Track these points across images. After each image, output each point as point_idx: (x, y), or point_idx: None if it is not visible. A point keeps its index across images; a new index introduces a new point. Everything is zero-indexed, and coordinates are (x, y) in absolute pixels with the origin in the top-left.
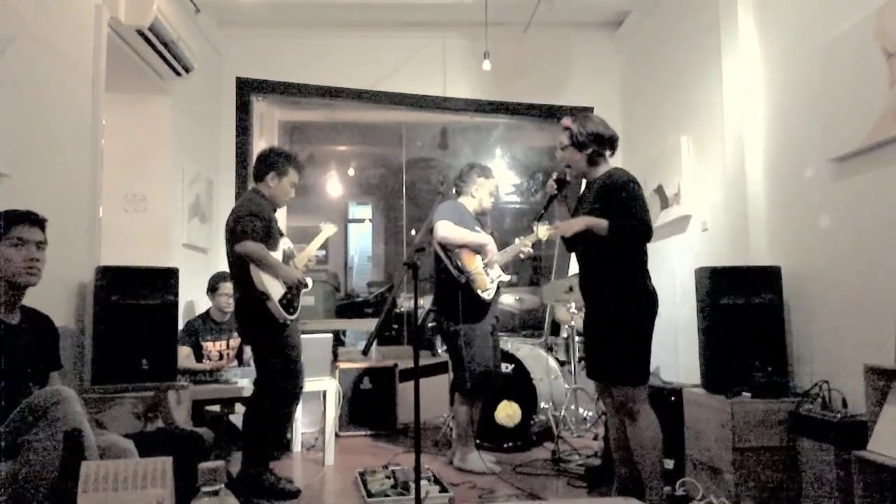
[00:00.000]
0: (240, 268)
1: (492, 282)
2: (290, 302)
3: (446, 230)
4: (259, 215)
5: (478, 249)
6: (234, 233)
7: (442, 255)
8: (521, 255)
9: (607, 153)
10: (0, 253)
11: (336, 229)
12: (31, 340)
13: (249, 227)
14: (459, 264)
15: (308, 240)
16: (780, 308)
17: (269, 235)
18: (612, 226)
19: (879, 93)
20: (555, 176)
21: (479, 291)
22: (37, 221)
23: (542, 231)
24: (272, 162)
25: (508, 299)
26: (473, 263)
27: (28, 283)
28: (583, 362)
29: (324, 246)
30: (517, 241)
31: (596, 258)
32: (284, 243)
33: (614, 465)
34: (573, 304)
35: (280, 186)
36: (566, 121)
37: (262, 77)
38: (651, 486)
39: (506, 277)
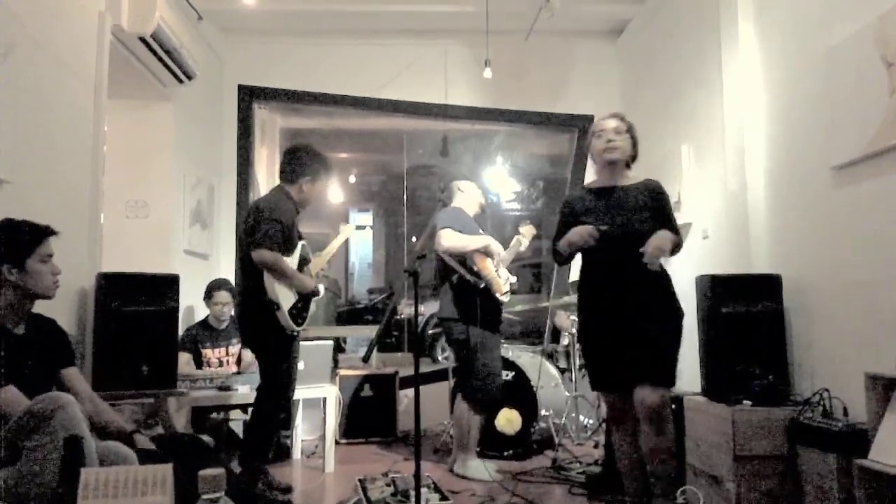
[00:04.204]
0: (253, 271)
1: (505, 283)
2: (299, 312)
3: (450, 239)
4: (281, 220)
5: (486, 252)
6: (253, 237)
7: (452, 262)
8: (521, 248)
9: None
10: (30, 270)
11: (353, 229)
12: (37, 348)
13: (269, 233)
14: (476, 269)
15: (311, 246)
16: (781, 316)
17: (287, 240)
18: (678, 241)
19: (880, 101)
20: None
21: (497, 295)
22: (53, 234)
23: (528, 231)
24: (307, 166)
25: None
26: (487, 267)
27: (51, 297)
28: (583, 370)
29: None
30: (515, 238)
31: (640, 268)
32: (301, 247)
33: (625, 481)
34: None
35: (312, 191)
36: (621, 114)
37: (263, 84)
38: (665, 496)
39: (513, 279)
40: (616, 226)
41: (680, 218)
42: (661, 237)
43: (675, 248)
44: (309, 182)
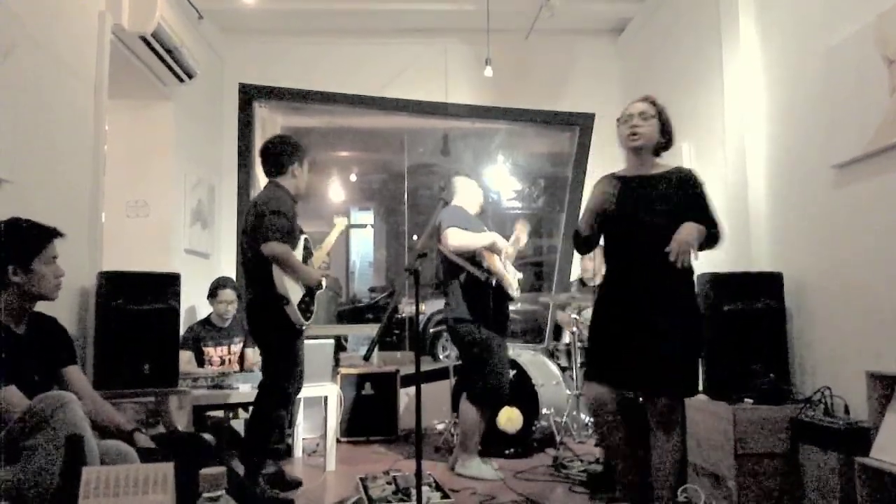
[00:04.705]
0: (260, 267)
1: (514, 279)
2: (307, 306)
3: (456, 237)
4: (285, 213)
5: (493, 249)
6: (259, 231)
7: (459, 260)
8: (520, 245)
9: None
10: (35, 271)
11: (347, 222)
12: (38, 347)
13: (276, 226)
14: (486, 265)
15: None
16: (782, 314)
17: (290, 234)
18: (711, 232)
19: (880, 100)
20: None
21: (509, 291)
22: (59, 236)
23: (522, 226)
24: (289, 153)
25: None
26: (496, 264)
27: (54, 299)
28: (584, 368)
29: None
30: (514, 235)
31: (664, 263)
32: (304, 241)
33: (623, 481)
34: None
35: (303, 176)
36: (652, 97)
37: (264, 83)
38: (665, 495)
39: (519, 275)
40: (640, 216)
41: None
42: (687, 230)
43: (711, 240)
44: (298, 167)
